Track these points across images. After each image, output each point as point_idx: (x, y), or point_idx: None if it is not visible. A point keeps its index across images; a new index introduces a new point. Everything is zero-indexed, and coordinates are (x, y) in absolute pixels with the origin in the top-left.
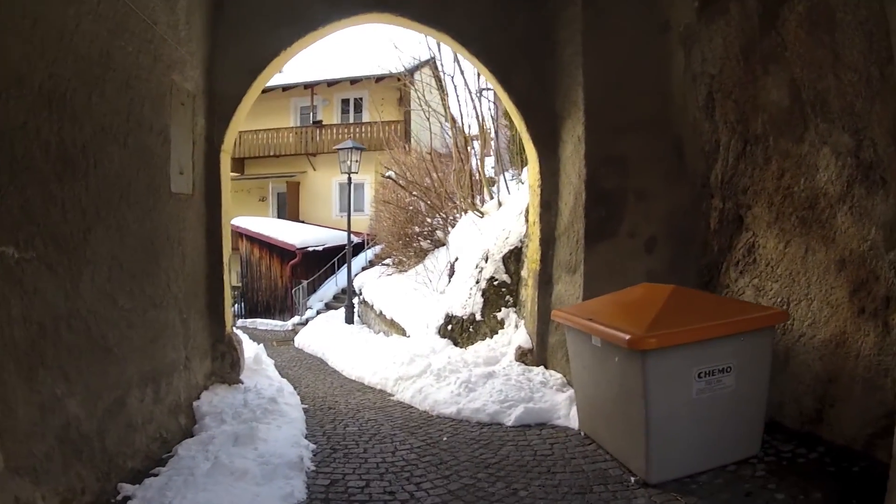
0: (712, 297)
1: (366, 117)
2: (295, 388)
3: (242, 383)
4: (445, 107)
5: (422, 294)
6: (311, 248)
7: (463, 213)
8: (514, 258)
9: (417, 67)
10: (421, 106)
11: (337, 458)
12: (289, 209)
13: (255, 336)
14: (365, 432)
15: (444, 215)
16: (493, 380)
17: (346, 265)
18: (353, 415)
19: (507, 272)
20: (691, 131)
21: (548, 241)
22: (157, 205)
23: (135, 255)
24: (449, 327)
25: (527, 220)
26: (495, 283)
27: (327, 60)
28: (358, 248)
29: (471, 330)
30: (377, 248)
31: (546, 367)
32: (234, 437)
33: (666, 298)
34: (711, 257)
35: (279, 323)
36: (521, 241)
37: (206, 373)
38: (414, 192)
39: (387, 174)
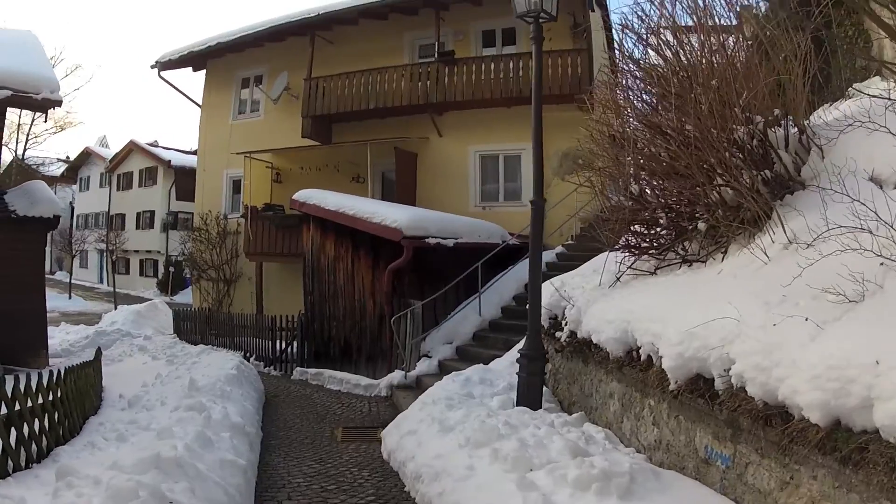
0: None
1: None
2: None
3: None
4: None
5: None
6: (431, 240)
7: None
8: None
9: None
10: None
11: None
12: (398, 195)
13: (314, 405)
14: None
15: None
16: None
17: (497, 277)
18: None
19: None
20: None
21: None
22: None
23: None
24: None
25: None
26: None
27: None
28: (513, 255)
29: None
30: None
31: None
32: None
33: None
34: None
35: (364, 380)
36: None
37: None
38: None
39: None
